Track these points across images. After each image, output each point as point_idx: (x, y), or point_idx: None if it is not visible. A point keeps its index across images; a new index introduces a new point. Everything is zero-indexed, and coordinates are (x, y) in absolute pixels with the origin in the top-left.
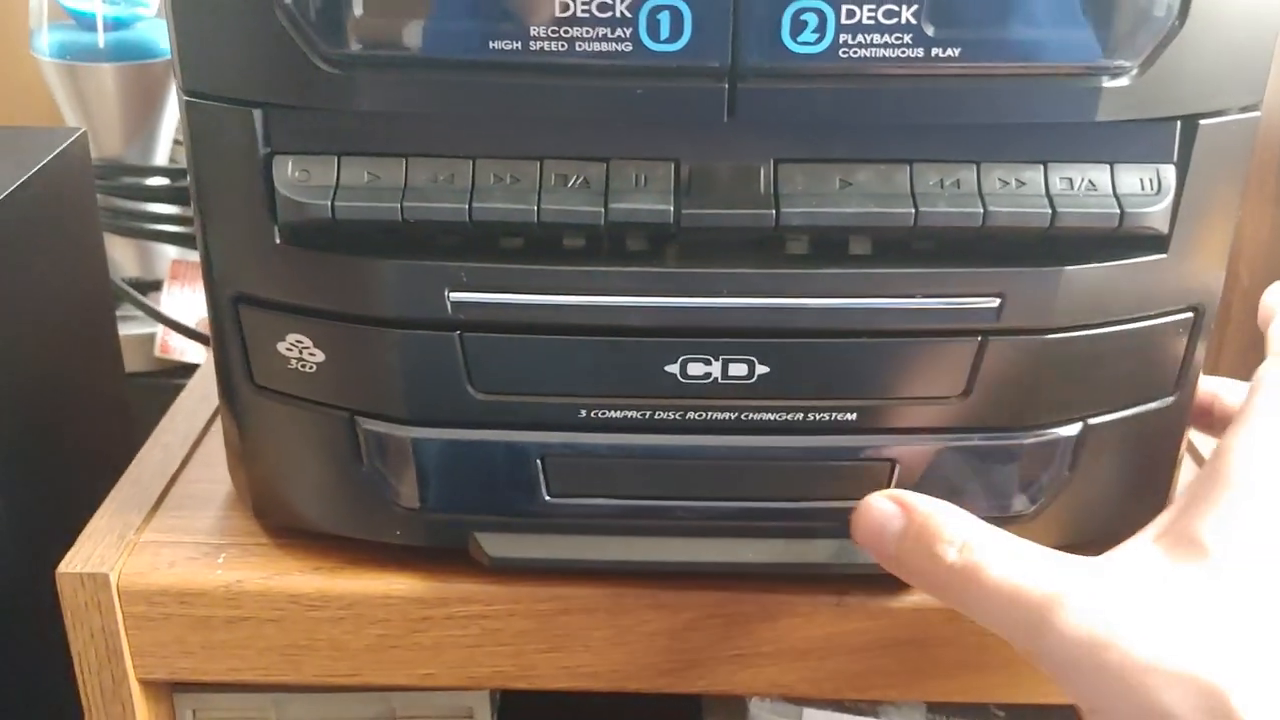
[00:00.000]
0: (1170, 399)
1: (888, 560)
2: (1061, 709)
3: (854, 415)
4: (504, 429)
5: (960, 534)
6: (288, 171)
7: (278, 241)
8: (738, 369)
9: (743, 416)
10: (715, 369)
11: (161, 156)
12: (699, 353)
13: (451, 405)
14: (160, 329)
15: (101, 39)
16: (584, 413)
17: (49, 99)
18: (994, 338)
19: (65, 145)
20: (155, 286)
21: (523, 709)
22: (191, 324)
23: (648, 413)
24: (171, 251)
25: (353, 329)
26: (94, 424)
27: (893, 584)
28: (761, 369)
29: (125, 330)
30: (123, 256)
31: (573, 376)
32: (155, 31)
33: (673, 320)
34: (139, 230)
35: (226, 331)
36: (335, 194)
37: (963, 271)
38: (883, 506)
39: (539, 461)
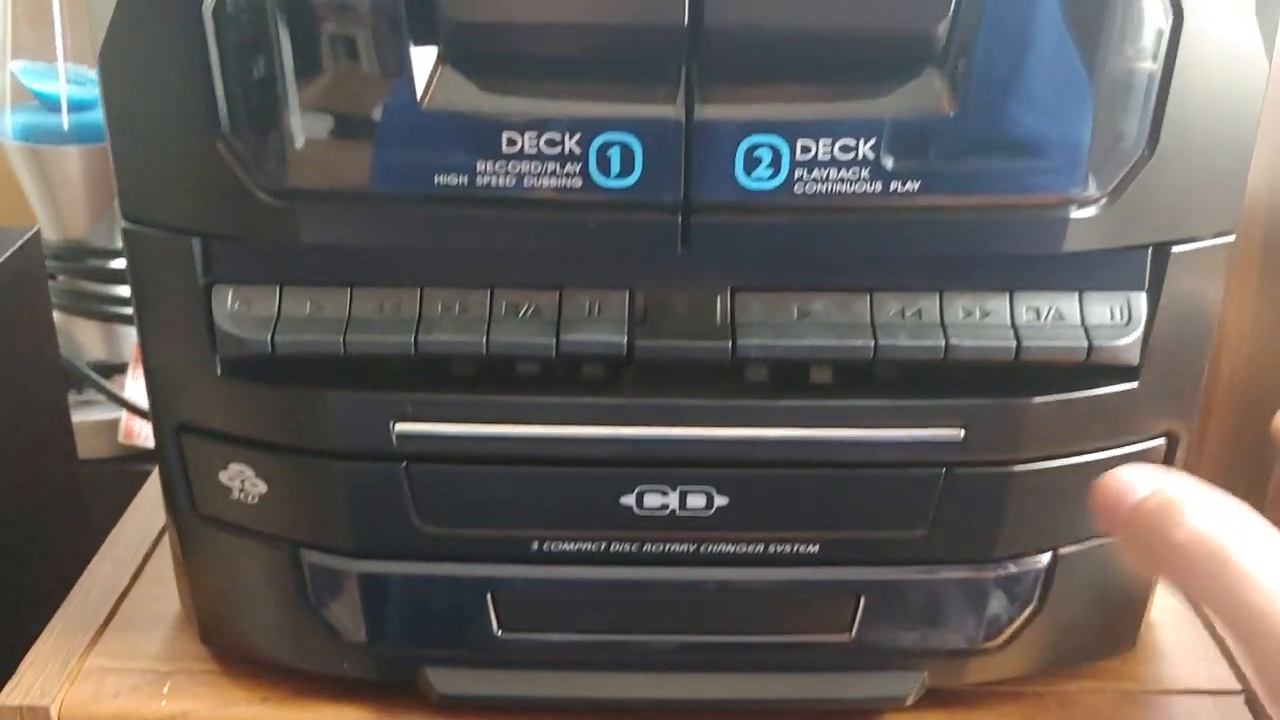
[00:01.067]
0: None
1: (1116, 525)
2: None
3: (816, 548)
4: (452, 562)
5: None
6: (227, 303)
7: (219, 372)
8: (696, 500)
9: (701, 549)
10: (673, 500)
11: None
12: (656, 483)
13: (397, 538)
14: (124, 413)
15: (66, 121)
16: (536, 545)
17: (12, 179)
18: (959, 469)
19: (16, 247)
20: (120, 369)
21: None
22: None
23: (603, 545)
24: (136, 334)
25: (295, 460)
26: (48, 516)
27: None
28: (720, 500)
29: (88, 415)
30: (87, 339)
31: (524, 509)
32: None
33: (628, 452)
34: (103, 313)
35: (170, 459)
36: (276, 326)
37: (926, 403)
38: (1135, 471)
39: (489, 596)
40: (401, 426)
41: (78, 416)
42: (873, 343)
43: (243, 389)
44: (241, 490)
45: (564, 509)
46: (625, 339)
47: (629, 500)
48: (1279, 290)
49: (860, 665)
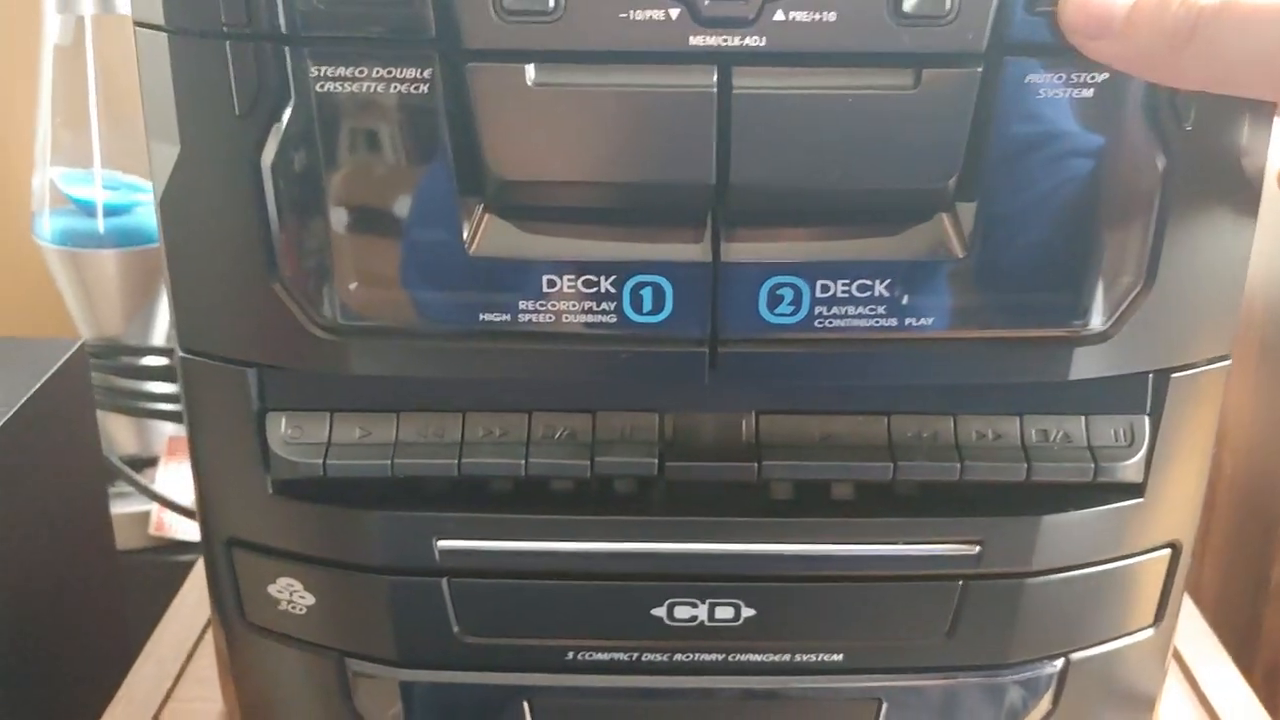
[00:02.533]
0: (1151, 630)
1: (1107, 37)
2: None
3: (840, 656)
4: (491, 670)
5: None
6: (281, 429)
7: (270, 492)
8: (724, 612)
9: (730, 658)
10: (702, 612)
11: (159, 336)
12: (686, 596)
13: (439, 648)
14: (155, 506)
15: (101, 225)
16: (571, 655)
17: (49, 280)
18: (975, 581)
19: (64, 359)
20: (151, 463)
21: None
22: (187, 502)
23: (635, 655)
24: (168, 428)
25: (342, 575)
26: (87, 609)
27: None
28: (748, 611)
29: (120, 508)
30: (120, 434)
31: (560, 620)
32: (153, 217)
33: (659, 566)
34: (136, 408)
35: (220, 570)
36: (328, 452)
37: (943, 520)
38: None
39: (525, 704)
40: (444, 544)
41: (111, 509)
42: (891, 465)
43: (293, 508)
44: (290, 602)
45: (598, 620)
46: (655, 460)
47: (660, 612)
48: (1277, 385)
49: None
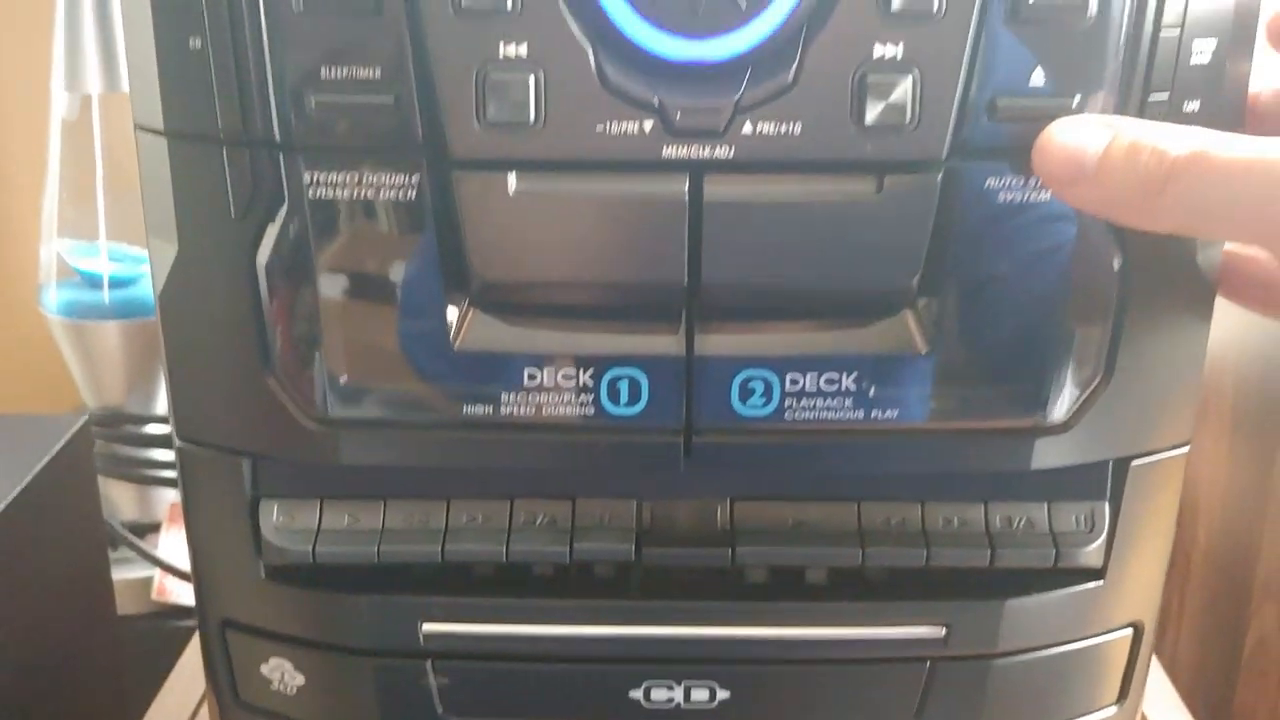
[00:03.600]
0: (1116, 708)
1: (1081, 183)
2: None
3: None
4: None
5: (1180, 132)
6: (273, 516)
7: (262, 576)
8: (699, 694)
9: None
10: (678, 694)
11: (161, 404)
12: (662, 678)
13: None
14: (157, 572)
15: (106, 296)
16: None
17: (53, 349)
18: (942, 663)
19: (70, 435)
20: (153, 529)
21: None
22: (188, 567)
23: None
24: (170, 494)
25: (330, 656)
26: (89, 676)
27: None
28: (722, 694)
29: (122, 573)
30: (122, 500)
31: (540, 702)
32: None
33: (636, 650)
34: (138, 475)
35: (214, 650)
36: (317, 538)
37: (911, 604)
38: (1081, 127)
39: None
40: (428, 627)
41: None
42: (860, 551)
43: (284, 592)
44: (281, 681)
45: (577, 702)
46: (632, 546)
47: (637, 694)
48: (1250, 457)
49: None
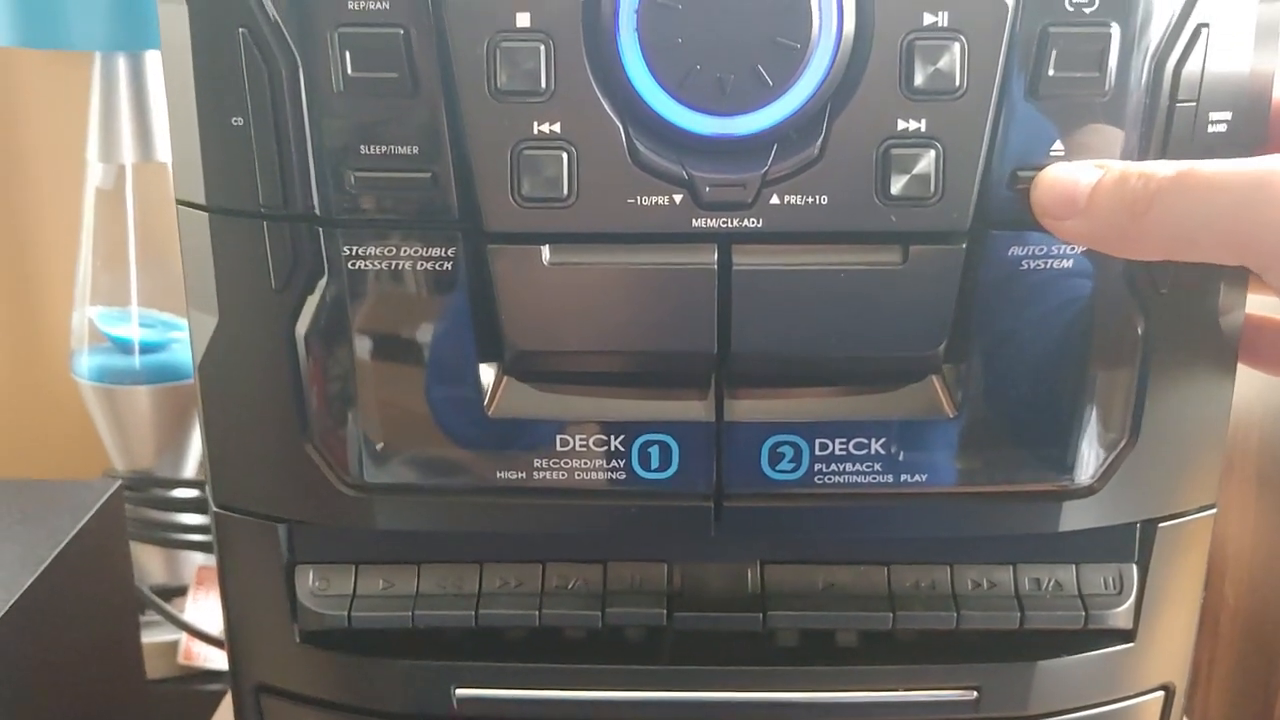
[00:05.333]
0: None
1: (1074, 216)
2: None
3: None
4: None
5: (1170, 162)
6: (309, 581)
7: (297, 641)
8: None
9: None
10: None
11: (190, 468)
12: None
13: None
14: (184, 636)
15: (138, 361)
16: None
17: (85, 414)
18: None
19: (103, 501)
20: (181, 592)
21: None
22: (215, 631)
23: None
24: (197, 558)
25: None
26: None
27: None
28: None
29: (149, 637)
30: (150, 563)
31: None
32: (187, 353)
33: (668, 714)
34: (166, 539)
35: (248, 716)
36: (353, 604)
37: (942, 667)
38: (1075, 166)
39: None
40: (461, 692)
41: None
42: (891, 614)
43: (318, 656)
44: None
45: None
46: (664, 611)
47: None
48: (1277, 514)
49: None
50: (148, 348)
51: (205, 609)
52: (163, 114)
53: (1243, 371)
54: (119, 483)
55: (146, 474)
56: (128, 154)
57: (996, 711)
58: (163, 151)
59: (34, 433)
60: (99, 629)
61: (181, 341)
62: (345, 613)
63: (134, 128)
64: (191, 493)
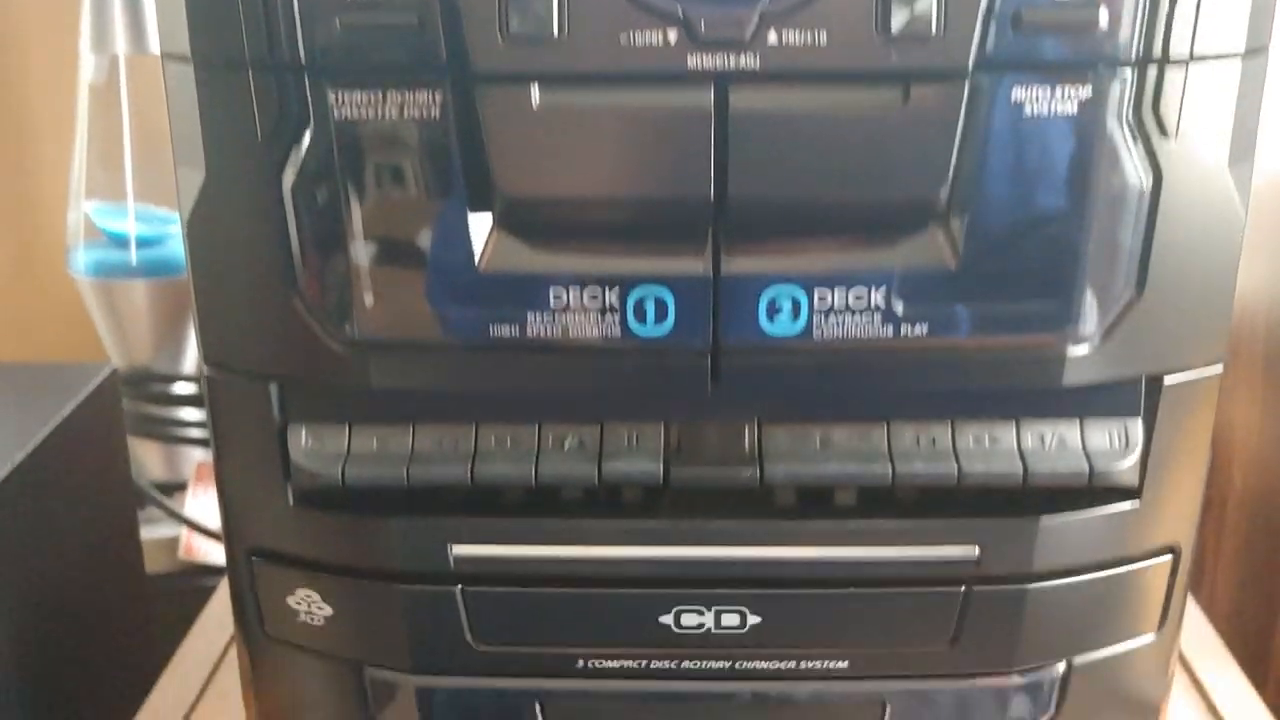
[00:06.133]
0: (1153, 636)
1: None
2: None
3: (845, 663)
4: (504, 677)
5: None
6: (302, 440)
7: (290, 503)
8: (730, 619)
9: (736, 665)
10: (708, 619)
11: (189, 364)
12: (692, 604)
13: (453, 657)
14: (184, 531)
15: (134, 257)
16: (581, 663)
17: (82, 311)
18: (978, 588)
19: (96, 383)
20: (180, 488)
21: None
22: (215, 526)
23: (643, 662)
24: (197, 454)
25: (359, 585)
26: (118, 633)
27: None
28: (753, 619)
29: (149, 532)
30: (150, 459)
31: (570, 628)
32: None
33: (665, 571)
34: (165, 434)
35: (241, 582)
36: (346, 462)
37: (943, 523)
38: None
39: (538, 706)
40: (458, 549)
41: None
42: (890, 470)
43: (312, 517)
44: (308, 613)
45: (606, 628)
46: (660, 468)
47: (667, 619)
48: None
49: None
50: (144, 242)
51: (205, 504)
52: (154, 5)
53: (1247, 256)
54: (113, 367)
55: (145, 370)
56: (120, 45)
57: (998, 570)
58: (155, 43)
59: (32, 331)
60: (97, 519)
61: (177, 237)
62: (339, 471)
63: (126, 18)
64: (190, 388)
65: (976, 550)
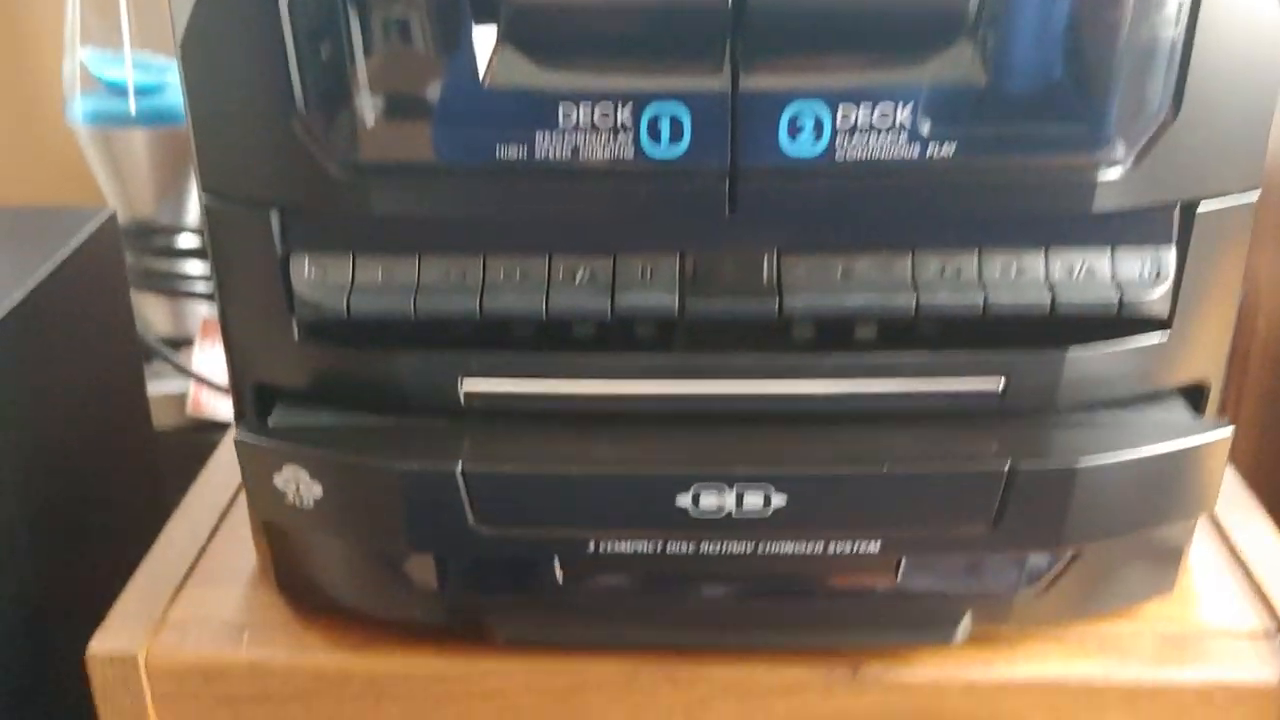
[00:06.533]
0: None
1: None
2: None
3: (877, 548)
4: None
5: None
6: (304, 271)
7: (296, 336)
8: (753, 500)
9: (760, 549)
10: (729, 501)
11: (192, 216)
12: (712, 482)
13: (454, 540)
14: (192, 385)
15: (133, 105)
16: (592, 547)
17: (82, 163)
18: (1023, 470)
19: (94, 228)
20: (187, 343)
21: None
22: (222, 381)
23: (658, 546)
24: (203, 309)
25: (350, 462)
26: (125, 488)
27: (909, 656)
28: (778, 500)
29: (157, 387)
30: (155, 314)
31: (579, 511)
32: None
33: (679, 407)
34: (170, 288)
35: (250, 420)
36: (351, 292)
37: (966, 355)
38: None
39: (555, 558)
40: (469, 383)
41: (147, 388)
42: (914, 300)
43: (318, 351)
44: (297, 494)
45: (619, 511)
46: (676, 300)
47: (685, 501)
48: None
49: (905, 611)
50: (143, 91)
51: (212, 358)
52: None
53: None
54: (112, 210)
55: (147, 222)
56: None
57: (1023, 403)
58: None
59: (32, 184)
60: (101, 371)
61: (176, 85)
62: (343, 302)
63: None
64: (194, 241)
65: (1001, 383)
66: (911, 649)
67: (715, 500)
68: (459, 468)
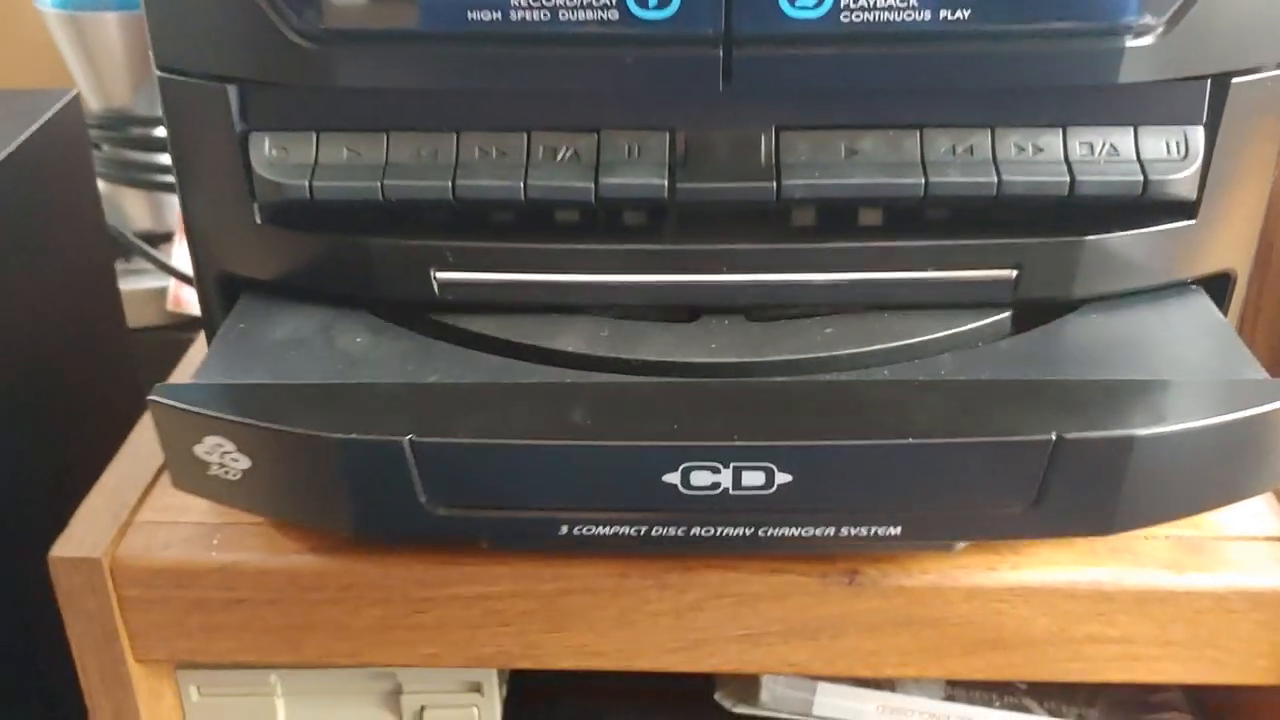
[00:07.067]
0: None
1: None
2: (1084, 686)
3: (898, 530)
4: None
5: None
6: (265, 150)
7: (258, 220)
8: (753, 478)
9: (759, 533)
10: (725, 478)
11: None
12: (705, 460)
13: (402, 519)
14: (172, 282)
15: None
16: (565, 529)
17: (54, 50)
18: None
19: (57, 109)
20: (167, 238)
21: (534, 679)
22: None
23: (641, 529)
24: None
25: (282, 433)
26: (97, 383)
27: (906, 561)
28: (782, 477)
29: (136, 284)
30: (134, 209)
31: (549, 488)
32: None
33: (668, 299)
34: (149, 182)
35: (213, 308)
36: (314, 173)
37: (977, 243)
38: None
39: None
40: (443, 275)
41: (126, 285)
42: (923, 180)
43: (282, 236)
44: (221, 465)
45: (596, 488)
46: (666, 181)
47: (673, 478)
48: None
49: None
50: None
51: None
52: None
53: None
54: (76, 91)
55: (123, 112)
56: None
57: (1037, 293)
58: None
59: (0, 74)
60: (68, 262)
61: None
62: (306, 182)
63: None
64: None
65: (1015, 272)
66: (910, 555)
67: (708, 477)
68: (407, 438)
